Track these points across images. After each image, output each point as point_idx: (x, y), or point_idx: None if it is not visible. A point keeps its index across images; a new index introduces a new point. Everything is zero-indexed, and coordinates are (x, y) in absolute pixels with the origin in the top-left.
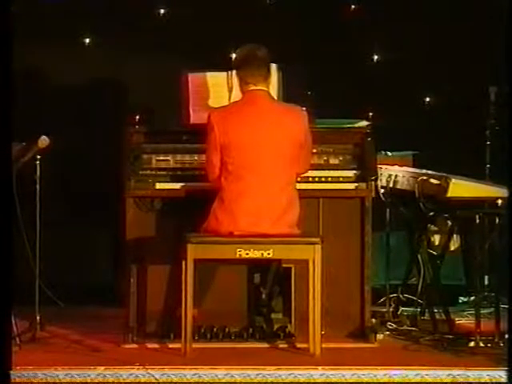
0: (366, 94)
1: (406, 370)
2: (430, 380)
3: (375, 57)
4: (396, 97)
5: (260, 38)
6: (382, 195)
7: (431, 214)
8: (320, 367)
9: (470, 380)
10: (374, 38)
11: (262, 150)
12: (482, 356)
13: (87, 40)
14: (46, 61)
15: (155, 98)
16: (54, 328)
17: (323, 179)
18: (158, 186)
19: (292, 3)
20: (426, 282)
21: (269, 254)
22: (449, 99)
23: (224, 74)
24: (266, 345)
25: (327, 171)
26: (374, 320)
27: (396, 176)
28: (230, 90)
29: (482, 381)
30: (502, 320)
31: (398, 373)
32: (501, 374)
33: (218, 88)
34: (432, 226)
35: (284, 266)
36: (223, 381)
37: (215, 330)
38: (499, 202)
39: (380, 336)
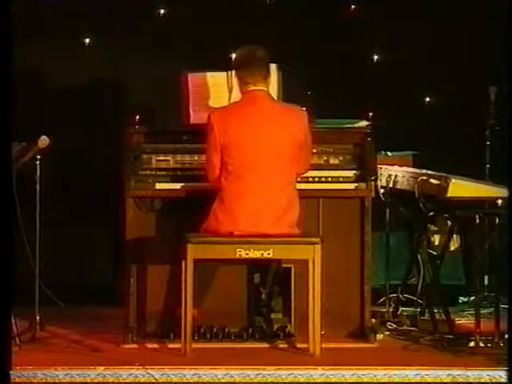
0: (366, 94)
1: (406, 370)
2: (429, 380)
3: (375, 57)
4: (396, 97)
5: (260, 38)
6: (381, 195)
7: (431, 214)
8: (320, 367)
9: (470, 380)
10: (373, 38)
11: (262, 150)
12: (481, 356)
13: (87, 40)
14: (46, 61)
15: (155, 98)
16: (54, 328)
17: (323, 179)
18: (158, 186)
19: (292, 3)
20: (425, 282)
21: (269, 254)
22: (449, 99)
23: (224, 74)
24: (265, 345)
25: (327, 171)
26: (373, 320)
27: (396, 176)
28: (230, 90)
29: (482, 381)
30: (502, 320)
31: (397, 373)
32: (501, 374)
33: (218, 88)
34: (432, 226)
35: (284, 265)
36: (223, 381)
37: (215, 330)
38: (499, 202)
39: (380, 336)
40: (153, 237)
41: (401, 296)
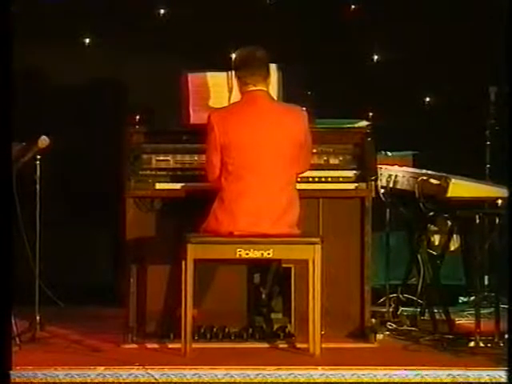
0: (366, 94)
1: (406, 370)
2: (429, 380)
3: (375, 57)
4: (396, 97)
5: (260, 38)
6: (381, 195)
7: (431, 214)
8: (320, 367)
9: (470, 380)
10: (374, 38)
11: (262, 150)
12: (481, 356)
13: (87, 40)
14: (46, 61)
15: (155, 97)
16: (54, 328)
17: (323, 179)
18: (158, 186)
19: (292, 3)
20: (425, 282)
21: (269, 254)
22: (449, 99)
23: (224, 74)
24: (265, 345)
25: (327, 171)
26: (373, 320)
27: (396, 176)
28: (230, 90)
29: (482, 381)
30: (502, 320)
31: (397, 373)
32: (501, 374)
33: (218, 88)
34: (432, 226)
35: (284, 265)
36: (223, 381)
37: (215, 330)
38: (499, 202)
39: (380, 336)
40: (153, 237)
41: (401, 296)
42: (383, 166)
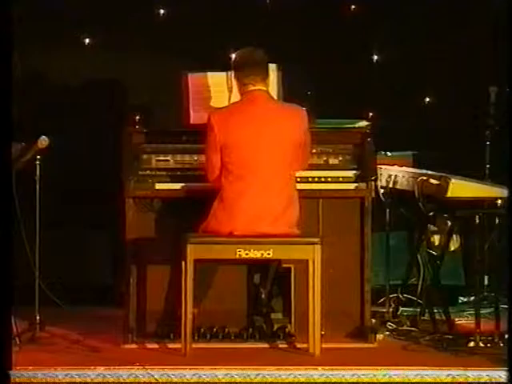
0: (366, 94)
1: (405, 370)
2: (429, 380)
3: (375, 57)
4: (396, 97)
5: (260, 38)
6: (381, 195)
7: (431, 213)
8: (320, 367)
9: (470, 380)
10: (374, 38)
11: (261, 150)
12: (481, 356)
13: (87, 40)
14: (47, 61)
15: (155, 98)
16: (53, 328)
17: (323, 179)
18: (158, 186)
19: (292, 3)
20: (425, 282)
21: (268, 254)
22: (449, 99)
23: (224, 74)
24: (265, 345)
25: (327, 171)
26: (373, 320)
27: (396, 176)
28: (230, 90)
29: (482, 381)
30: (502, 320)
31: (397, 373)
32: (500, 374)
33: (217, 88)
34: (432, 226)
35: (284, 265)
36: (223, 381)
37: (215, 330)
38: (499, 202)
39: (380, 336)
40: (153, 237)
41: (401, 296)
42: (383, 166)
